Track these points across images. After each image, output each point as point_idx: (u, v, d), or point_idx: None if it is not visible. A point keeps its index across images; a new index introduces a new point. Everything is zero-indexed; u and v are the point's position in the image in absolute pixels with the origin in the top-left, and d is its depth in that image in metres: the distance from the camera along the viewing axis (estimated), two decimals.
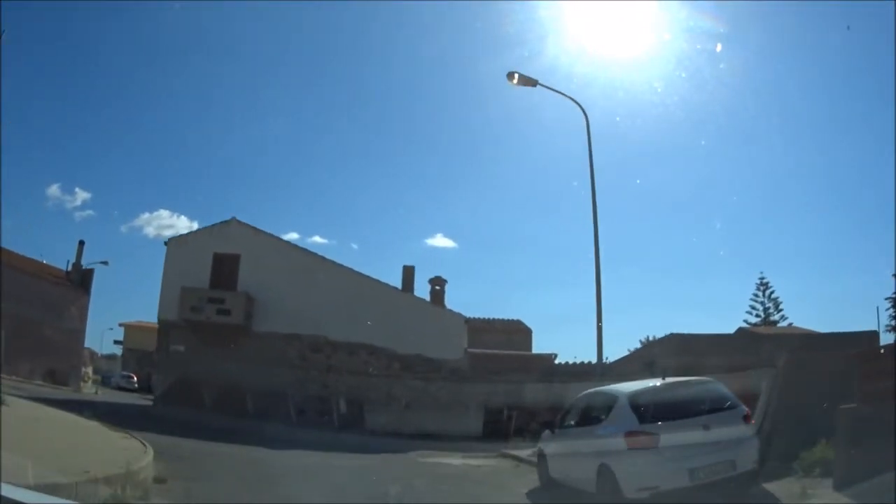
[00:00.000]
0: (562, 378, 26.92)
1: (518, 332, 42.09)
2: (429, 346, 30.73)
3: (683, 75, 28.30)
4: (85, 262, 48.93)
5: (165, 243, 34.10)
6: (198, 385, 29.27)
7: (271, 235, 33.65)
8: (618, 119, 43.48)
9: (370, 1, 51.97)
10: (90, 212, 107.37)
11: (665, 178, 66.52)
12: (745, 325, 42.87)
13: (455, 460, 19.14)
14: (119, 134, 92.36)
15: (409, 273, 34.56)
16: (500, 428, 25.02)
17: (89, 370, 55.42)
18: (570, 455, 12.28)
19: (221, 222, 33.89)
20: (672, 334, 22.56)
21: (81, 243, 49.61)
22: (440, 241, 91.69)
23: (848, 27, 37.53)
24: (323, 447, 20.68)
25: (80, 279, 48.17)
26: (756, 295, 51.22)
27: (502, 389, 28.38)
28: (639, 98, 43.23)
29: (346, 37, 75.43)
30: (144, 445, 13.41)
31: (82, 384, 49.83)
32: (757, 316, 50.41)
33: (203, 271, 32.27)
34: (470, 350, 32.34)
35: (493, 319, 42.50)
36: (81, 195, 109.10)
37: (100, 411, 19.27)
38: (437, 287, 36.57)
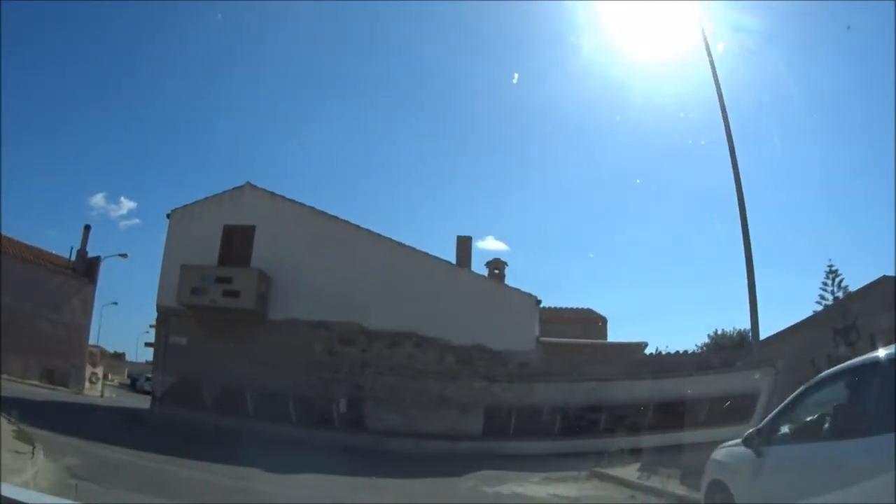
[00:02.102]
0: (661, 370, 21.95)
1: (591, 322, 35.44)
2: (492, 334, 24.07)
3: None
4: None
5: (168, 216, 28.22)
6: (200, 385, 24.00)
7: (293, 202, 27.31)
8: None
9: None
10: (136, 220, 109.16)
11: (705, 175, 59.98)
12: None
13: (536, 488, 14.30)
14: (166, 144, 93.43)
15: (464, 245, 27.92)
16: (579, 434, 20.34)
17: (98, 370, 49.67)
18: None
19: (234, 188, 27.86)
20: (884, 277, 14.66)
21: (87, 228, 44.15)
22: (491, 243, 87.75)
23: (848, 27, 35.27)
24: (349, 468, 15.82)
25: (86, 268, 42.44)
26: (825, 283, 44.31)
27: (585, 387, 22.22)
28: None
29: (394, 43, 74.45)
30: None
31: (89, 385, 44.32)
32: (826, 306, 43.33)
33: (211, 247, 26.37)
34: (543, 339, 25.65)
35: (561, 308, 35.65)
36: (127, 204, 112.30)
37: (63, 415, 18.72)
38: (497, 271, 30.31)
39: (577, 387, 22.35)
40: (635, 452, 16.43)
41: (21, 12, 66.45)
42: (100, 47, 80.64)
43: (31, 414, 15.46)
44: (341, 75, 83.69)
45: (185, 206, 28.17)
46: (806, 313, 20.07)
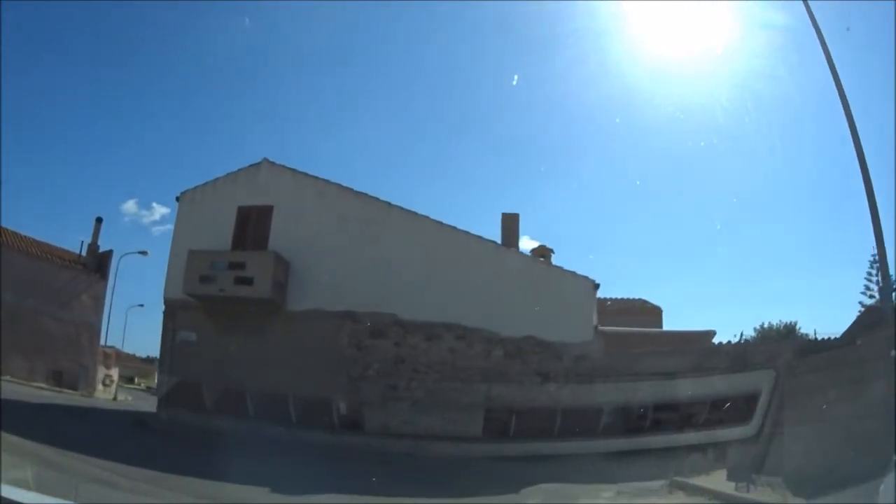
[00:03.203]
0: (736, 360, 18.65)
1: (646, 313, 32.02)
2: (544, 324, 20.55)
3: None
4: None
5: (177, 199, 25.35)
6: (210, 385, 21.28)
7: (316, 178, 24.11)
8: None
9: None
10: (169, 226, 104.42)
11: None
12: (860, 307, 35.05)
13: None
14: (199, 151, 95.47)
15: (510, 224, 24.56)
16: (642, 433, 17.74)
17: (113, 372, 46.92)
18: None
19: (249, 165, 24.88)
20: None
21: (99, 221, 41.37)
22: (526, 243, 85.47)
23: (848, 29, 33.76)
24: (380, 484, 12.65)
25: (97, 263, 39.67)
26: (869, 273, 41.62)
27: (650, 383, 18.76)
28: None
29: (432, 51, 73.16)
30: None
31: (102, 388, 41.67)
32: (871, 297, 40.96)
33: (224, 232, 23.40)
34: (602, 329, 22.23)
35: (612, 299, 31.96)
36: (159, 210, 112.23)
37: (55, 419, 17.30)
38: (542, 258, 27.07)
39: (640, 383, 19.04)
40: (702, 451, 14.46)
41: (61, 14, 64.95)
42: (131, 56, 79.30)
43: (19, 417, 14.31)
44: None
45: (195, 188, 25.26)
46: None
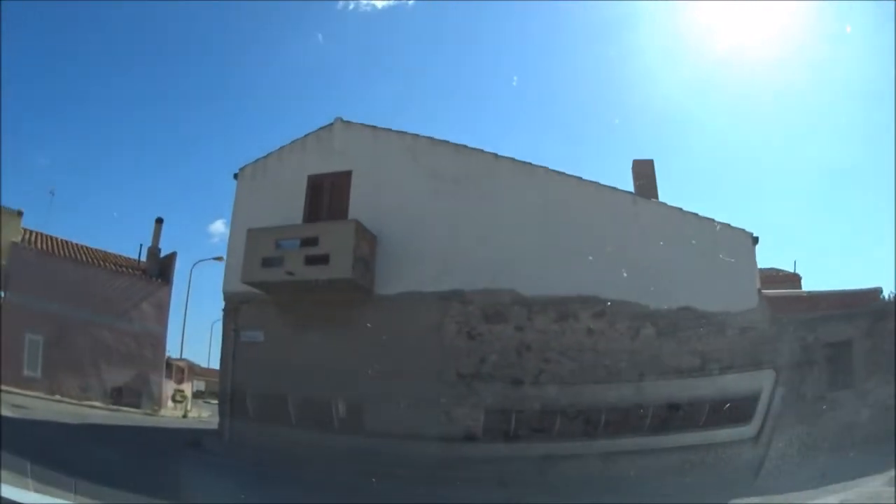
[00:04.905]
0: None
1: (781, 282, 26.71)
2: (701, 291, 15.77)
3: None
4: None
5: (235, 176, 21.31)
6: (281, 393, 17.16)
7: (402, 133, 19.54)
8: None
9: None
10: None
11: None
12: None
13: None
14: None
15: (645, 171, 19.58)
16: None
17: (185, 387, 43.22)
18: None
19: (319, 128, 20.59)
20: None
21: (159, 222, 37.21)
22: None
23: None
24: None
25: (158, 268, 35.88)
26: None
27: None
28: None
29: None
30: None
31: (173, 404, 37.95)
32: None
33: (292, 209, 19.25)
34: (765, 292, 16.72)
35: None
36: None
37: (84, 442, 14.74)
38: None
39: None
40: None
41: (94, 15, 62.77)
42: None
43: (39, 439, 12.98)
44: None
45: (256, 161, 21.17)
46: None
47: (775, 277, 28.04)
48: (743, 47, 56.57)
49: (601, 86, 76.14)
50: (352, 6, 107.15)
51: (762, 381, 13.69)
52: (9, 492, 3.68)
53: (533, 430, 15.50)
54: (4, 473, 5.76)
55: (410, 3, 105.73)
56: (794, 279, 28.76)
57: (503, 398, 16.03)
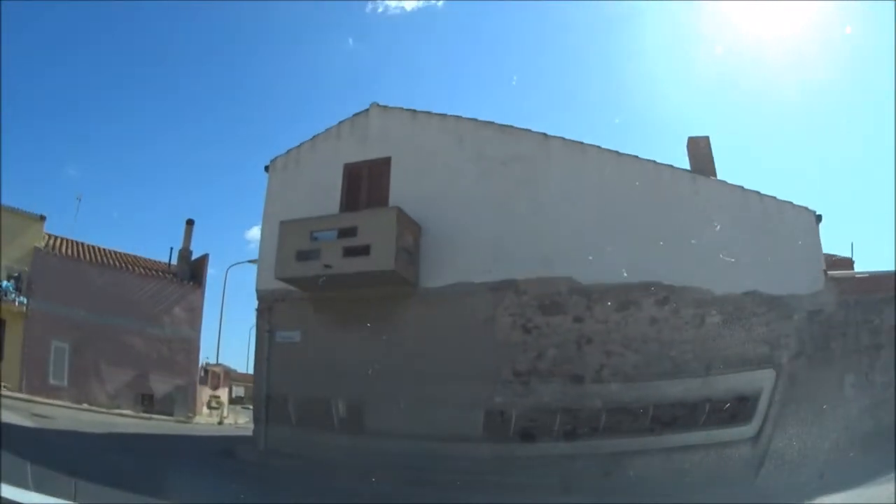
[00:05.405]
0: None
1: (835, 266, 25.20)
2: (766, 274, 14.33)
3: None
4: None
5: (266, 168, 20.25)
6: (320, 397, 16.15)
7: (443, 115, 18.24)
8: None
9: None
10: None
11: None
12: None
13: None
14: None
15: (701, 148, 18.07)
16: None
17: (221, 392, 42.22)
18: None
19: (354, 115, 19.44)
20: None
21: (190, 223, 36.43)
22: None
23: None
24: None
25: (190, 271, 34.97)
26: None
27: None
28: None
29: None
30: None
31: (208, 411, 36.99)
32: None
33: (328, 200, 18.14)
34: (832, 274, 15.17)
35: None
36: None
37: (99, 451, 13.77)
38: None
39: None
40: None
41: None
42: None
43: (54, 449, 12.17)
44: None
45: (288, 152, 20.11)
46: None
47: (828, 263, 26.54)
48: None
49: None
50: (381, 8, 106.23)
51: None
52: (9, 492, 3.68)
53: (593, 429, 14.16)
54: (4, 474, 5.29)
55: (440, 4, 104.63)
56: (847, 264, 27.30)
57: (562, 395, 14.73)
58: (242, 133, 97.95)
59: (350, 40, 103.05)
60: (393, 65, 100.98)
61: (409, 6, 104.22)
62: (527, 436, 14.62)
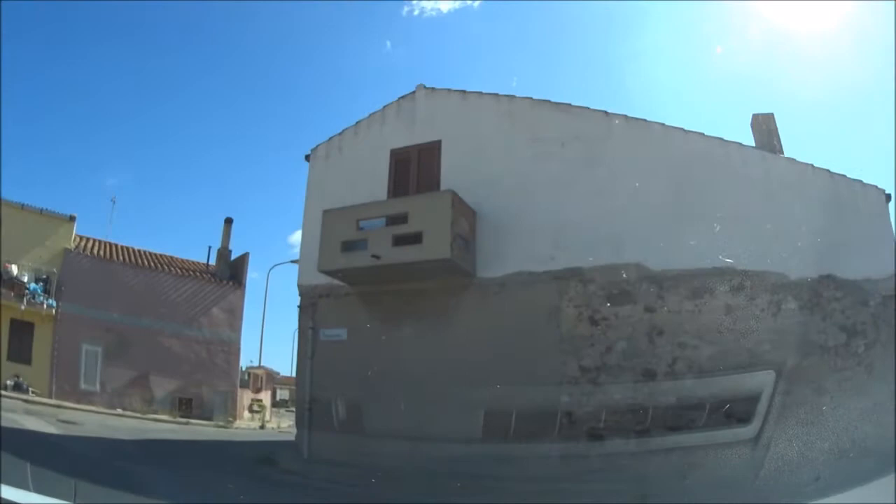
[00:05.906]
0: None
1: None
2: (841, 257, 13.22)
3: None
4: None
5: (307, 157, 19.32)
6: (370, 399, 15.40)
7: (496, 95, 17.19)
8: None
9: None
10: None
11: None
12: None
13: None
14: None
15: (766, 125, 16.68)
16: None
17: (263, 396, 41.29)
18: None
19: (399, 98, 18.47)
20: None
21: (228, 222, 35.44)
22: None
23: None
24: None
25: (230, 271, 34.13)
26: None
27: None
28: None
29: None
30: None
31: (250, 414, 36.10)
32: None
33: (374, 188, 17.15)
34: None
35: None
36: None
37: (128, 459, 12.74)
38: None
39: None
40: None
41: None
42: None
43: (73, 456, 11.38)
44: None
45: (330, 139, 19.18)
46: None
47: None
48: None
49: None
50: (417, 10, 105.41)
51: None
52: (9, 492, 3.77)
53: (666, 427, 12.96)
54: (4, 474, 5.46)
55: (476, 4, 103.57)
56: None
57: (633, 392, 13.55)
58: (283, 136, 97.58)
59: (388, 43, 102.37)
60: (430, 66, 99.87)
61: (444, 7, 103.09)
62: (594, 433, 13.47)
